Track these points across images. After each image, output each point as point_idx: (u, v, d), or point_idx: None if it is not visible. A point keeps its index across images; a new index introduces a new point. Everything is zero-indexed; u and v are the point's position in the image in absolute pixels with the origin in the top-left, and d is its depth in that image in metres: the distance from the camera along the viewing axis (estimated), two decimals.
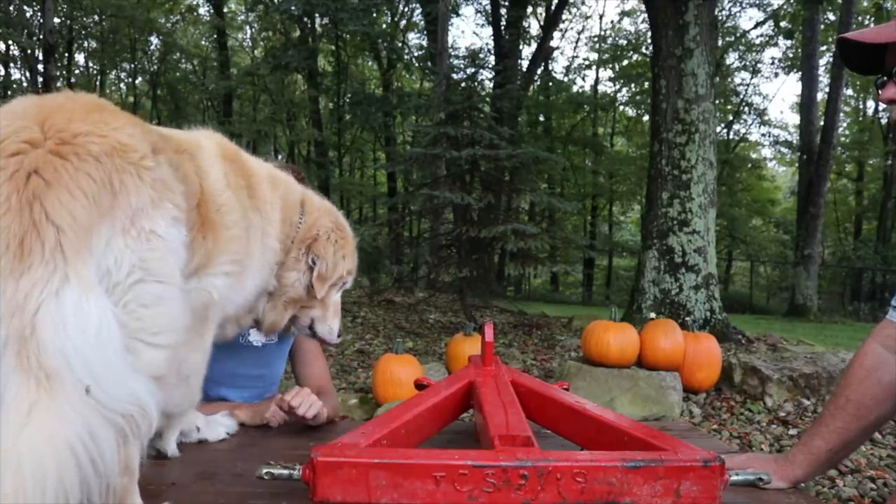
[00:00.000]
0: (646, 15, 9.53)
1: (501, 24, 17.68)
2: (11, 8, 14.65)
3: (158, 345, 1.03)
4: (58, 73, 17.30)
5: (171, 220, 1.04)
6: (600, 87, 25.51)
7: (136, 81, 25.16)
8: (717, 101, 9.21)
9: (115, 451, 0.88)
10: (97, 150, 0.96)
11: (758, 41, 22.14)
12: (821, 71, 16.64)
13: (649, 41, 10.58)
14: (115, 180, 0.96)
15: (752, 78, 23.45)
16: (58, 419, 0.81)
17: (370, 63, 24.28)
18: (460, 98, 7.92)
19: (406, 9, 21.30)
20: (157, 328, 1.02)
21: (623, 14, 27.99)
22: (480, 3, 21.77)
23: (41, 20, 15.04)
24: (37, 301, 0.84)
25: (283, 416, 1.79)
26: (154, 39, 21.63)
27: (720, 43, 19.67)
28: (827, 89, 15.79)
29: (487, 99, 10.93)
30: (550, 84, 23.61)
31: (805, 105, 15.81)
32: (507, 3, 17.86)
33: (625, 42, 24.21)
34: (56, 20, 15.62)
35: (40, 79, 15.66)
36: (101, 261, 0.93)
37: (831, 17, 18.02)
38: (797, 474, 1.45)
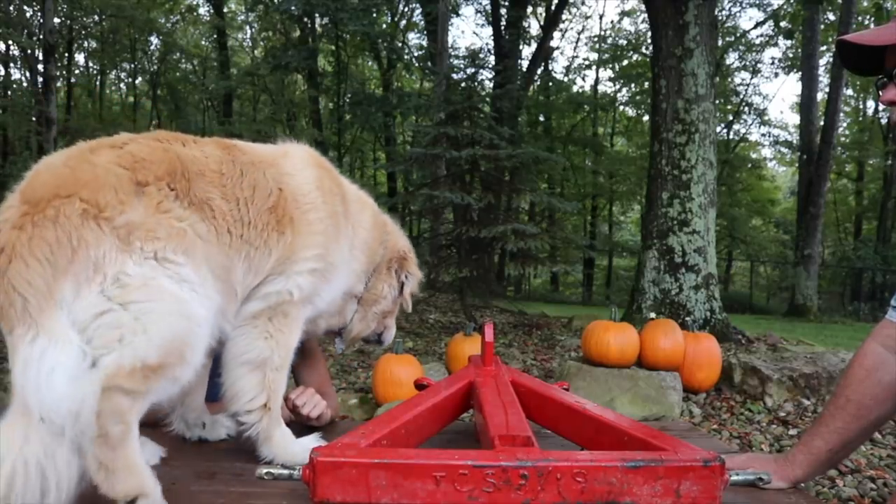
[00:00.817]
0: (646, 15, 9.53)
1: (501, 24, 17.68)
2: (11, 8, 14.63)
3: (156, 365, 1.14)
4: (58, 73, 17.31)
5: (141, 258, 1.13)
6: (600, 87, 25.56)
7: (136, 81, 25.17)
8: (717, 101, 9.21)
9: (70, 465, 1.06)
10: (53, 213, 1.07)
11: (758, 41, 22.17)
12: (821, 71, 16.64)
13: (649, 41, 10.58)
14: (73, 238, 1.07)
15: (752, 78, 23.48)
16: (21, 440, 1.03)
17: (370, 63, 24.28)
18: (460, 98, 7.91)
19: (406, 9, 21.31)
20: (152, 346, 1.13)
21: (623, 14, 28.06)
22: (480, 3, 21.79)
23: (41, 20, 15.02)
24: (19, 352, 1.05)
25: (287, 416, 1.79)
26: (154, 39, 21.62)
27: (720, 43, 19.67)
28: (827, 89, 15.80)
29: (487, 99, 10.91)
30: (550, 84, 23.60)
31: (805, 105, 15.81)
32: (507, 3, 17.85)
33: (625, 42, 24.23)
34: (56, 20, 15.59)
35: (40, 79, 15.65)
36: (73, 309, 1.08)
37: (831, 17, 18.03)
38: (797, 474, 1.45)
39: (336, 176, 1.64)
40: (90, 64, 23.87)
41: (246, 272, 1.37)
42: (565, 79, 25.43)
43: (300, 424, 1.79)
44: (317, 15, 16.49)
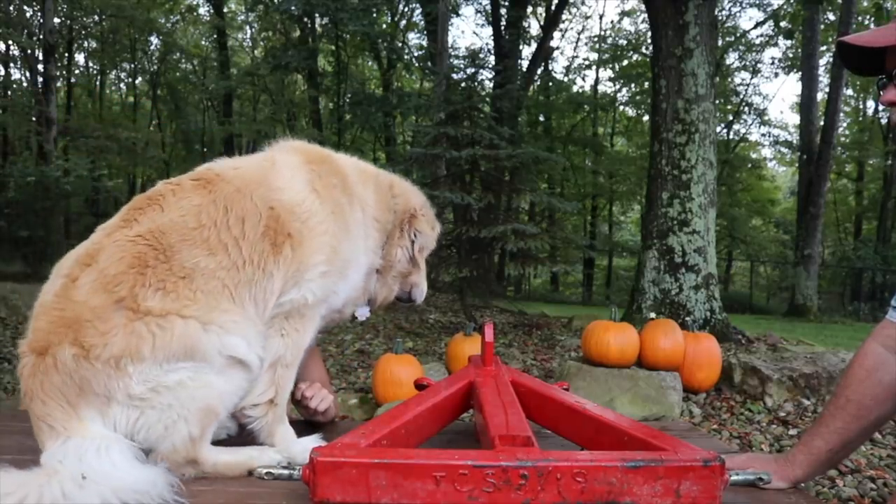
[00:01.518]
0: (646, 15, 9.53)
1: (501, 24, 17.68)
2: (11, 8, 14.64)
3: (199, 435, 1.33)
4: (58, 73, 17.32)
5: (139, 378, 1.25)
6: (600, 87, 25.55)
7: (136, 81, 25.18)
8: (717, 101, 9.21)
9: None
10: (52, 361, 1.24)
11: (758, 41, 22.17)
12: (821, 71, 16.64)
13: (649, 41, 10.59)
14: (75, 378, 1.23)
15: (752, 78, 23.47)
16: (43, 478, 1.18)
17: (370, 63, 24.28)
18: (460, 98, 7.91)
19: (406, 9, 21.31)
20: (192, 425, 1.31)
21: (623, 14, 28.05)
22: (480, 3, 21.79)
23: (41, 20, 15.03)
24: (49, 452, 1.23)
25: (289, 410, 1.79)
26: (154, 39, 21.64)
27: (720, 43, 19.67)
28: (827, 89, 15.80)
29: (487, 99, 10.91)
30: (550, 84, 23.60)
31: (805, 105, 15.81)
32: (507, 3, 17.85)
33: (625, 42, 24.22)
34: (56, 20, 15.60)
35: (40, 79, 15.66)
36: (108, 421, 1.26)
37: (831, 17, 18.02)
38: (797, 474, 1.45)
39: (331, 163, 1.61)
40: (90, 64, 23.90)
41: (256, 306, 1.40)
42: (565, 79, 25.45)
43: (302, 424, 1.79)
44: (317, 15, 16.49)
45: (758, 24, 21.45)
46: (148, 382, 1.26)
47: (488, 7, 19.83)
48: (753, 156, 26.09)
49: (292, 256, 1.42)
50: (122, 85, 26.73)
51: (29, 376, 1.27)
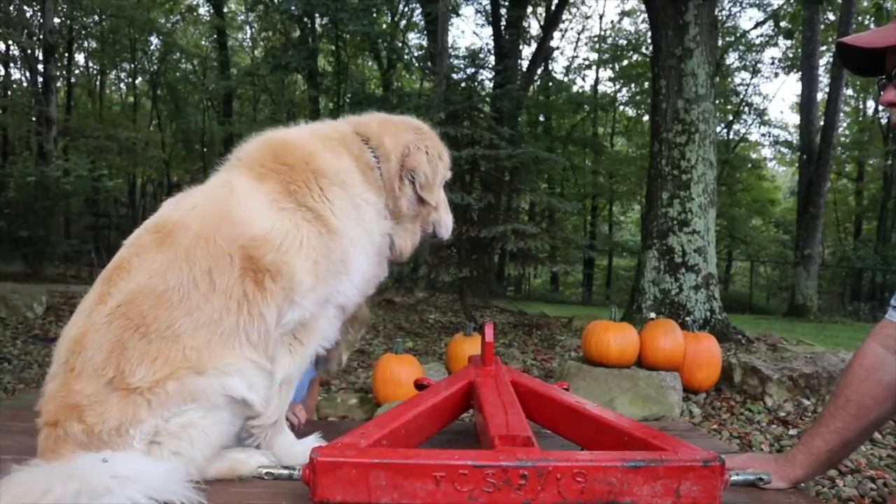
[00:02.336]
0: (646, 15, 9.54)
1: (501, 24, 17.68)
2: (11, 8, 14.64)
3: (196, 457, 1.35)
4: (58, 73, 17.33)
5: (143, 438, 1.29)
6: (600, 87, 25.57)
7: (136, 81, 25.19)
8: (717, 101, 9.21)
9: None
10: (63, 433, 1.30)
11: (758, 41, 22.18)
12: (821, 71, 16.64)
13: (649, 41, 10.59)
14: (90, 447, 1.27)
15: (752, 78, 23.49)
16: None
17: (370, 63, 24.28)
18: (460, 98, 7.91)
19: (406, 9, 21.31)
20: (203, 455, 1.35)
21: (623, 14, 28.05)
22: (480, 3, 21.79)
23: (41, 20, 15.04)
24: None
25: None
26: (154, 39, 21.66)
27: (720, 43, 19.67)
28: (827, 89, 15.80)
29: (487, 99, 10.91)
30: (550, 84, 23.61)
31: (805, 105, 15.81)
32: (507, 3, 17.86)
33: (625, 42, 24.24)
34: (56, 20, 15.62)
35: (40, 79, 15.67)
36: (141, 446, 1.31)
37: (831, 17, 18.03)
38: (797, 474, 1.45)
39: (291, 159, 1.47)
40: (90, 64, 23.92)
41: (254, 345, 1.37)
42: (565, 79, 25.46)
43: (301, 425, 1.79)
44: (317, 15, 16.48)
45: (758, 24, 21.49)
46: (151, 433, 1.31)
47: (488, 7, 19.84)
48: (753, 156, 26.12)
49: (276, 287, 1.37)
50: (122, 85, 26.78)
51: (44, 439, 1.35)
